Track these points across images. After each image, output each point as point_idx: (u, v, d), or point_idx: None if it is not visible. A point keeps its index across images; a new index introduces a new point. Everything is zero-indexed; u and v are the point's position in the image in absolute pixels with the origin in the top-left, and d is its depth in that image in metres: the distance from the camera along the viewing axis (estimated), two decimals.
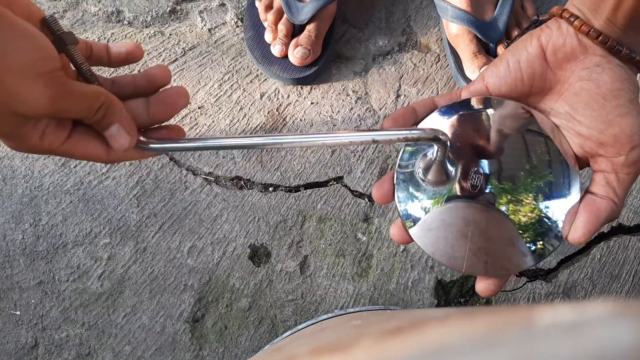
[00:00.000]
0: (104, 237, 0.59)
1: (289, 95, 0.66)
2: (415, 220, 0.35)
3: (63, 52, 0.31)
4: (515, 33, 0.66)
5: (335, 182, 0.63)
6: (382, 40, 0.71)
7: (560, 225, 0.34)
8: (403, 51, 0.70)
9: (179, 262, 0.59)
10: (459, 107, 0.36)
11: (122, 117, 0.31)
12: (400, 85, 0.68)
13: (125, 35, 0.68)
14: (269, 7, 0.67)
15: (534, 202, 0.35)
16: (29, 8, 0.30)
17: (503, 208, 0.35)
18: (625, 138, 0.32)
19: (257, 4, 0.68)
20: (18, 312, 0.56)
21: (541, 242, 0.34)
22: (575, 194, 0.34)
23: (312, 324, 0.55)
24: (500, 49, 0.64)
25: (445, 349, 0.16)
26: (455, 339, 0.16)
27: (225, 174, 0.62)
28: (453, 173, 0.35)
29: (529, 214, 0.34)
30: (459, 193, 0.35)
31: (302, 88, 0.67)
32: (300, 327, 0.56)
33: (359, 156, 0.64)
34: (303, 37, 0.64)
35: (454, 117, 0.36)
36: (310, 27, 0.65)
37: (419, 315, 0.34)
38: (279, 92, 0.67)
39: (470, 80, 0.65)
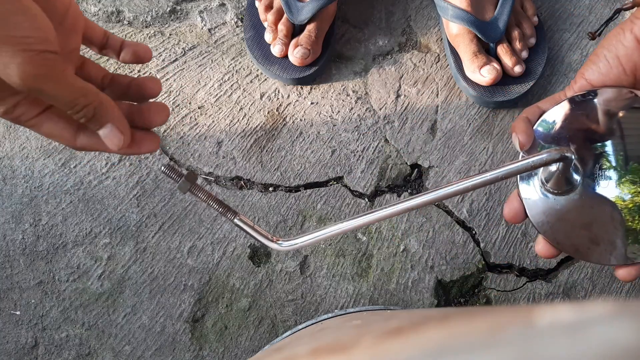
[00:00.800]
0: (104, 237, 0.59)
1: (289, 95, 0.66)
2: (548, 228, 0.35)
3: (189, 192, 0.34)
4: (516, 33, 0.66)
5: (335, 182, 0.63)
6: (382, 40, 0.71)
7: None
8: (403, 51, 0.70)
9: (179, 262, 0.59)
10: (572, 104, 0.36)
11: (115, 117, 0.31)
12: (400, 85, 0.68)
13: (125, 35, 0.68)
14: (269, 7, 0.67)
15: None
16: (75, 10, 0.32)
17: (629, 198, 0.34)
18: None
19: (257, 4, 0.68)
20: (18, 312, 0.56)
21: None
22: None
23: (312, 324, 0.55)
24: (500, 49, 0.64)
25: (445, 349, 0.16)
26: (455, 339, 0.16)
27: (225, 174, 0.62)
28: (578, 180, 0.35)
29: None
30: (585, 191, 0.35)
31: (302, 88, 0.67)
32: (300, 327, 0.56)
33: (359, 156, 0.64)
34: (303, 37, 0.64)
35: (573, 115, 0.36)
36: (310, 27, 0.65)
37: (419, 315, 0.34)
38: (279, 92, 0.67)
39: (470, 80, 0.65)
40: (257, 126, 0.65)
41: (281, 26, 0.65)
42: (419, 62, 0.70)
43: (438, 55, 0.70)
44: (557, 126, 0.36)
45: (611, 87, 0.36)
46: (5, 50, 0.26)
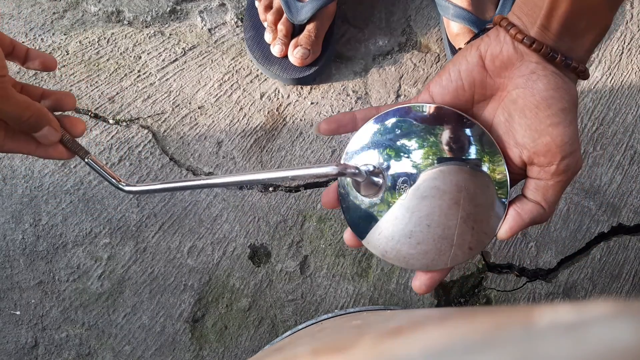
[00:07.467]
0: (104, 237, 0.59)
1: (289, 95, 0.66)
2: (360, 225, 0.37)
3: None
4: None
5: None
6: (382, 40, 0.71)
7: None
8: (403, 51, 0.70)
9: (179, 262, 0.59)
10: (396, 113, 0.37)
11: (51, 120, 0.37)
12: (400, 85, 0.68)
13: (125, 35, 0.68)
14: (268, 7, 0.67)
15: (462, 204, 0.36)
16: None
17: (437, 203, 0.36)
18: (555, 148, 0.33)
19: (257, 4, 0.68)
20: (18, 312, 0.56)
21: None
22: (502, 197, 0.36)
23: (312, 324, 0.55)
24: None
25: (445, 349, 0.16)
26: (455, 339, 0.16)
27: (226, 174, 0.62)
28: (380, 182, 0.36)
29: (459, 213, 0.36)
30: (390, 198, 0.37)
31: (302, 88, 0.67)
32: (300, 327, 0.56)
33: None
34: (303, 37, 0.64)
35: (387, 123, 0.37)
36: (310, 27, 0.65)
37: (419, 315, 0.34)
38: (279, 92, 0.67)
39: None
40: (257, 126, 0.65)
41: (281, 26, 0.65)
42: (419, 62, 0.70)
43: (438, 55, 0.70)
44: (366, 138, 0.37)
45: (444, 107, 0.36)
46: None
